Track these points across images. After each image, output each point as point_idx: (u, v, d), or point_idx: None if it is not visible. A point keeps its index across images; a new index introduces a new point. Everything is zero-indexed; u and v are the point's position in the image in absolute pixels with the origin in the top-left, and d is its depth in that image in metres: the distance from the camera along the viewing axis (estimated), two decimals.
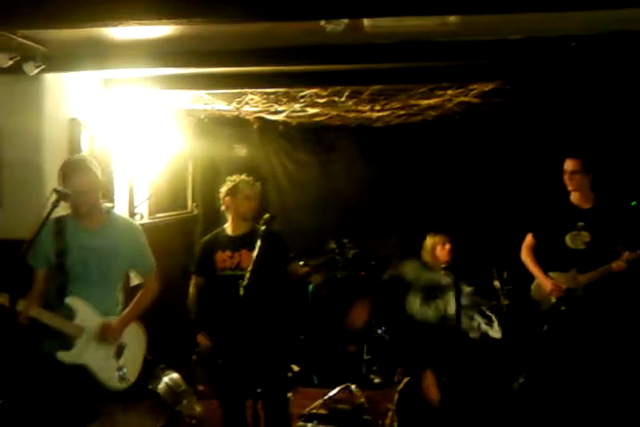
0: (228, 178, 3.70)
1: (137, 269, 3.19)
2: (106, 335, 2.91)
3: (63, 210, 2.84)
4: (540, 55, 3.20)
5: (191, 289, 3.67)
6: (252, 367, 3.45)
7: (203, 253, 3.63)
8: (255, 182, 3.69)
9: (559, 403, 3.83)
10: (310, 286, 5.49)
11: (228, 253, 3.52)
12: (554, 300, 3.96)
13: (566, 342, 3.88)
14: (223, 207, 3.64)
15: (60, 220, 2.88)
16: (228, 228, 3.63)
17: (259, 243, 3.28)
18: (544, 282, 3.99)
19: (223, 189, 3.63)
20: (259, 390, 3.38)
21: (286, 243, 3.69)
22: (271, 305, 3.54)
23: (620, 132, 4.78)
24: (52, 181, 3.06)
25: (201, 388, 3.80)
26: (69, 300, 2.84)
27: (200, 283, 3.63)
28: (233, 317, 3.26)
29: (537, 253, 4.12)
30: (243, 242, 3.50)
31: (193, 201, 5.80)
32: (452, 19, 2.58)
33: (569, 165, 3.90)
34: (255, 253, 3.34)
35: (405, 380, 4.02)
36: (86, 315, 2.88)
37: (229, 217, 3.64)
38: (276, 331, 3.59)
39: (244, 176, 3.68)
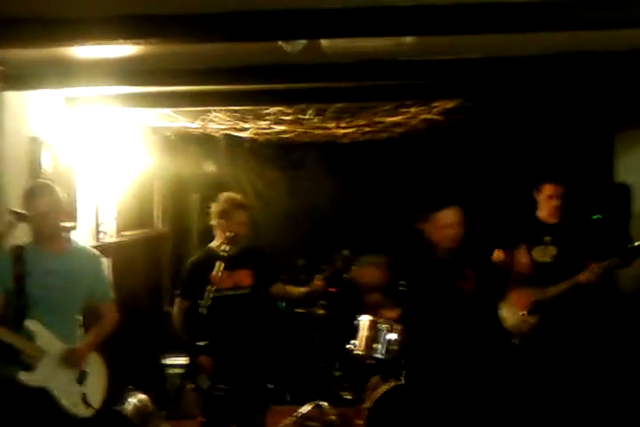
0: (221, 195, 3.61)
1: (96, 298, 3.12)
2: (71, 359, 2.87)
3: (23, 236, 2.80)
4: (498, 74, 3.27)
5: (176, 313, 3.53)
6: (247, 389, 3.44)
7: (194, 274, 3.49)
8: (247, 205, 3.62)
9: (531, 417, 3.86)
10: (281, 303, 5.48)
11: (225, 272, 3.40)
12: (521, 314, 4.00)
13: (537, 355, 3.91)
14: (214, 223, 3.56)
15: (19, 246, 2.85)
16: (220, 247, 3.52)
17: (221, 263, 3.30)
18: (513, 295, 4.03)
19: (216, 209, 3.54)
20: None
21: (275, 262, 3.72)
22: (262, 324, 3.57)
23: (576, 147, 4.89)
24: (11, 200, 3.01)
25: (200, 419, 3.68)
26: (29, 323, 2.80)
27: (186, 306, 3.50)
28: (240, 336, 3.35)
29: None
30: (237, 261, 3.46)
31: (160, 218, 5.76)
32: (409, 39, 2.63)
33: (554, 190, 3.99)
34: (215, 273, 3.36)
35: (375, 395, 4.02)
36: (46, 339, 2.83)
37: (220, 236, 3.55)
38: (264, 351, 3.61)
39: (232, 195, 3.59)
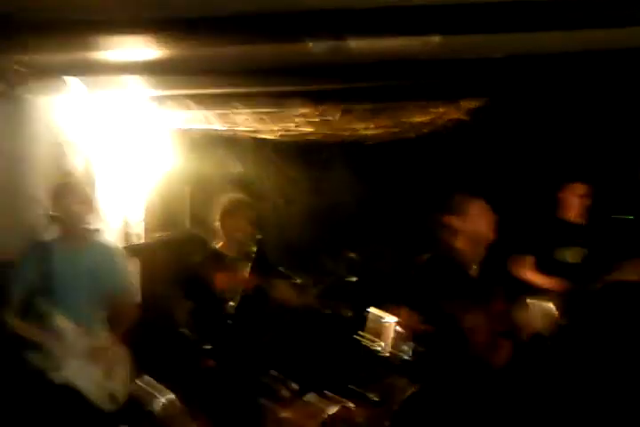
0: (226, 195, 3.59)
1: (117, 292, 3.17)
2: (97, 357, 2.91)
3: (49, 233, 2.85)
4: (524, 73, 3.23)
5: (182, 316, 3.50)
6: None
7: (198, 275, 3.48)
8: (252, 204, 3.58)
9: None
10: None
11: (230, 274, 3.42)
12: (556, 314, 3.94)
13: (569, 356, 3.86)
14: (218, 225, 3.53)
15: (44, 243, 2.91)
16: (223, 247, 3.53)
17: (252, 263, 3.29)
18: (551, 282, 3.93)
19: (221, 208, 3.52)
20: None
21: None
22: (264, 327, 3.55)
23: (606, 146, 4.81)
24: (41, 203, 3.07)
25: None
26: (58, 320, 2.86)
27: (190, 308, 3.47)
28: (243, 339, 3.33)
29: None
30: (242, 262, 3.46)
31: (191, 220, 5.81)
32: (435, 39, 2.61)
33: (581, 189, 3.95)
34: (249, 271, 3.36)
35: (402, 397, 4.00)
36: (74, 335, 2.89)
37: (224, 237, 3.54)
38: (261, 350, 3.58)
39: (237, 196, 3.57)
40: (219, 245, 3.58)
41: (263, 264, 3.52)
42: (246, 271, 3.46)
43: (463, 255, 2.80)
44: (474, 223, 2.79)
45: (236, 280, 3.44)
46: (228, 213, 3.49)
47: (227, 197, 3.57)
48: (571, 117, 4.59)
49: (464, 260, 2.79)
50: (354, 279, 5.02)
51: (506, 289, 2.93)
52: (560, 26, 2.35)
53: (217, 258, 3.50)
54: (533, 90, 3.73)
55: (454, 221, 2.78)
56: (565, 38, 2.70)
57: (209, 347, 3.35)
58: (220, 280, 3.42)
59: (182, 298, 3.54)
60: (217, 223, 3.54)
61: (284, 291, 3.63)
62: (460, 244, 2.80)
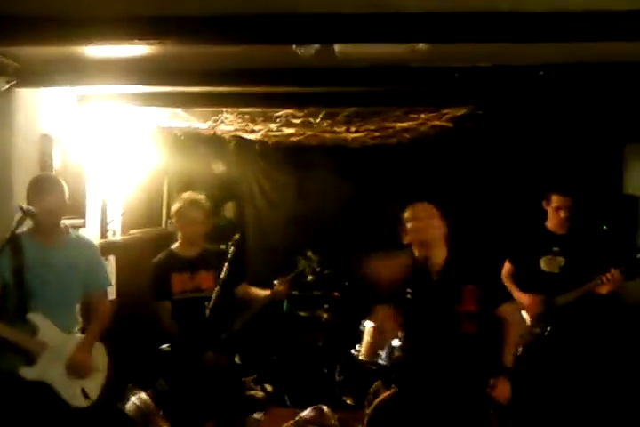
0: (179, 196, 3.57)
1: (92, 287, 3.12)
2: (76, 370, 2.89)
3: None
4: (509, 83, 3.27)
5: (164, 317, 3.43)
6: (212, 390, 3.37)
7: (157, 276, 3.45)
8: (203, 203, 3.52)
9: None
10: (285, 305, 5.48)
11: (186, 275, 3.40)
12: (528, 323, 3.99)
13: (540, 365, 3.89)
14: (173, 224, 3.55)
15: (17, 237, 2.82)
16: (180, 249, 3.52)
17: (226, 264, 3.27)
18: (522, 298, 4.02)
19: (174, 208, 3.52)
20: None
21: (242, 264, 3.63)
22: (230, 326, 3.47)
23: (585, 158, 4.87)
24: (21, 197, 3.03)
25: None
26: (31, 316, 2.81)
27: (169, 307, 3.43)
28: (200, 339, 3.23)
29: (514, 277, 4.17)
30: (199, 263, 3.43)
31: (168, 217, 5.77)
32: (422, 46, 2.63)
33: (562, 201, 3.97)
34: (223, 273, 3.33)
35: (376, 401, 4.01)
36: (48, 331, 2.85)
37: (179, 237, 3.54)
38: (233, 352, 3.55)
39: (193, 195, 3.53)
40: (175, 245, 3.58)
41: (236, 267, 3.48)
42: (204, 272, 3.45)
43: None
44: (411, 232, 2.89)
45: (189, 281, 3.42)
46: (179, 214, 3.48)
47: (181, 197, 3.55)
48: (555, 128, 4.64)
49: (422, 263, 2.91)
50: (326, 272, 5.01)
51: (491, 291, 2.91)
52: (548, 37, 2.37)
53: (172, 258, 3.49)
54: (519, 100, 3.76)
55: (403, 231, 2.91)
56: (553, 50, 2.74)
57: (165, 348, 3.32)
58: (175, 281, 3.40)
59: (158, 300, 3.49)
60: (172, 222, 3.58)
61: (246, 287, 3.61)
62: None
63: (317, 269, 4.02)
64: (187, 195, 3.56)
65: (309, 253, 4.02)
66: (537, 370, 3.89)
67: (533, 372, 3.90)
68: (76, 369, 2.90)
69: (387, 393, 4.02)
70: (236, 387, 3.73)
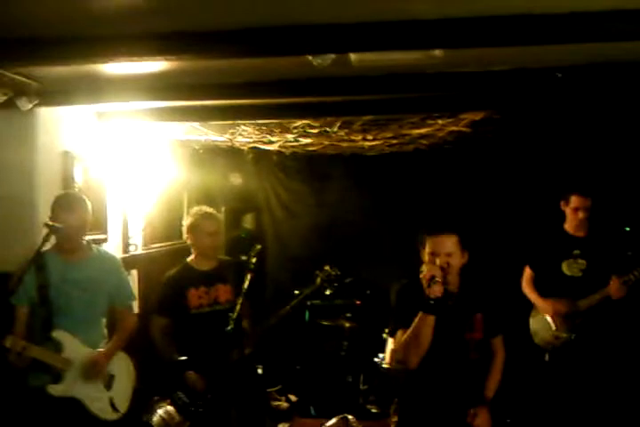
0: (191, 210, 3.57)
1: (117, 302, 3.16)
2: (90, 372, 2.90)
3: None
4: (527, 86, 3.25)
5: (156, 332, 3.40)
6: (236, 402, 3.37)
7: (171, 290, 3.42)
8: (216, 215, 3.53)
9: None
10: (307, 314, 5.48)
11: (203, 288, 3.39)
12: (554, 328, 3.94)
13: (571, 371, 3.85)
14: (186, 238, 3.52)
15: (41, 254, 2.86)
16: (195, 262, 3.50)
17: (249, 275, 3.26)
18: (544, 306, 3.99)
19: (185, 224, 3.51)
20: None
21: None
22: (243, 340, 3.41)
23: (606, 158, 4.82)
24: (44, 213, 3.07)
25: None
26: (56, 333, 2.84)
27: (164, 324, 3.41)
28: (224, 352, 3.22)
29: (535, 282, 4.13)
30: (215, 276, 3.42)
31: None
32: (438, 52, 2.63)
33: (580, 202, 3.93)
34: (246, 284, 3.32)
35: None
36: (74, 347, 2.88)
37: (194, 250, 3.51)
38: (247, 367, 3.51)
39: (204, 208, 3.53)
40: (190, 258, 3.56)
41: (241, 277, 3.38)
42: (222, 285, 3.44)
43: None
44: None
45: (205, 295, 3.41)
46: (192, 227, 3.47)
47: (193, 211, 3.55)
48: (574, 130, 4.60)
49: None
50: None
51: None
52: (565, 39, 2.36)
53: (187, 272, 3.47)
54: (537, 102, 3.74)
55: (421, 254, 2.81)
56: (570, 51, 2.72)
57: (183, 359, 3.29)
58: (191, 296, 3.39)
59: (154, 314, 3.48)
60: (185, 238, 3.53)
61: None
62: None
63: (335, 285, 3.99)
64: (197, 208, 3.56)
65: (327, 268, 4.00)
66: (566, 376, 3.85)
67: (563, 378, 3.86)
68: (89, 370, 2.89)
69: (411, 401, 3.99)
70: (261, 398, 3.71)
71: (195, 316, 3.38)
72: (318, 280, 3.98)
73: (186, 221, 3.53)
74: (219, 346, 3.27)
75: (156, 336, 3.40)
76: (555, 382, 3.92)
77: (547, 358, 3.97)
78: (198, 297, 3.38)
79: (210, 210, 3.54)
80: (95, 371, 2.92)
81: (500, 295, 2.96)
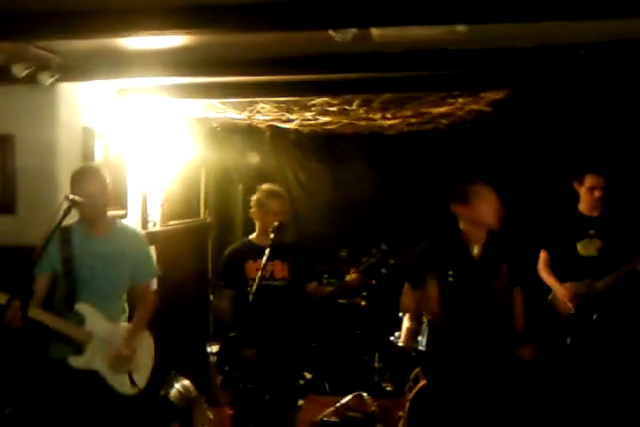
0: (260, 186, 3.63)
1: (140, 277, 3.17)
2: (119, 365, 2.93)
3: (70, 218, 2.86)
4: (550, 63, 3.21)
5: (224, 303, 3.51)
6: (274, 375, 3.45)
7: (231, 263, 3.54)
8: (283, 194, 3.60)
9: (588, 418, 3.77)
10: None
11: (260, 262, 3.39)
12: (573, 313, 3.93)
13: (593, 355, 3.84)
14: (252, 213, 3.61)
15: (65, 228, 2.87)
16: (256, 238, 3.58)
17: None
18: (561, 290, 3.97)
19: (253, 198, 3.59)
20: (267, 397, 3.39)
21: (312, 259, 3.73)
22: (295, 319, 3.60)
23: (626, 138, 4.75)
24: (65, 188, 3.09)
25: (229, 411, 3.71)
26: (79, 306, 2.87)
27: (232, 295, 3.50)
28: (275, 325, 3.37)
29: (551, 265, 4.11)
30: (274, 252, 3.43)
31: (205, 208, 5.83)
32: (460, 28, 2.60)
33: (595, 181, 3.91)
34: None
35: (416, 388, 4.01)
36: (96, 321, 2.91)
37: (257, 226, 3.60)
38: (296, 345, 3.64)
39: (272, 187, 3.61)
40: (252, 236, 3.64)
41: (298, 257, 3.59)
42: (279, 262, 3.51)
43: (464, 236, 3.15)
44: (476, 211, 3.08)
45: (273, 269, 3.49)
46: (258, 204, 3.55)
47: (260, 189, 3.61)
48: (593, 108, 4.54)
49: (465, 240, 3.15)
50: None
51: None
52: (591, 14, 2.32)
53: (248, 247, 3.56)
54: (559, 80, 3.69)
55: (458, 209, 3.13)
56: (595, 27, 2.68)
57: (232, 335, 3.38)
58: (249, 268, 3.46)
59: (223, 287, 3.57)
60: (252, 211, 3.61)
61: (317, 286, 3.69)
62: (462, 226, 3.16)
63: (391, 262, 4.04)
64: (265, 186, 3.62)
65: (383, 246, 4.03)
66: (589, 359, 3.83)
67: (585, 361, 3.83)
68: (122, 360, 2.94)
69: (426, 380, 4.03)
70: (297, 376, 3.84)
71: (250, 288, 3.40)
72: (373, 258, 4.01)
73: (253, 197, 3.59)
74: (270, 322, 3.40)
75: (224, 308, 3.50)
76: (577, 366, 3.90)
77: (568, 342, 3.94)
78: (255, 269, 3.41)
79: (277, 189, 3.61)
80: (129, 359, 2.95)
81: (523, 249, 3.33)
